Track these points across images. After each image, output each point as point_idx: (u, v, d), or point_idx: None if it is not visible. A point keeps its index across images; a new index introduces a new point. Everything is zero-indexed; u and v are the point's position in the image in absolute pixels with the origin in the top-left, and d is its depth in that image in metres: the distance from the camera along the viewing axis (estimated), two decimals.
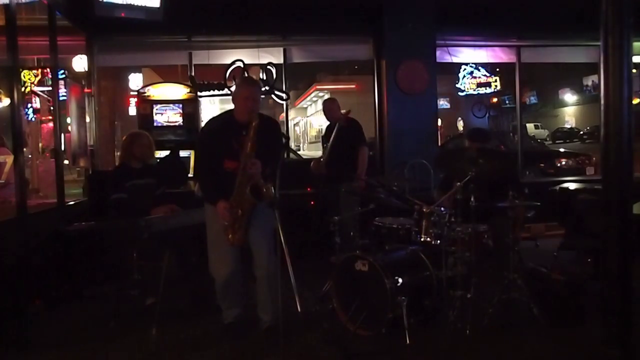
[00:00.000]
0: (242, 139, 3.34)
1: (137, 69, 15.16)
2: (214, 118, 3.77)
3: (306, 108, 36.21)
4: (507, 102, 25.57)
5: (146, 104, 6.56)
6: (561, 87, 33.18)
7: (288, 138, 6.43)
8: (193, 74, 6.95)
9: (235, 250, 3.50)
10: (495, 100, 25.00)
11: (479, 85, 9.10)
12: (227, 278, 3.53)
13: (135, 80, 15.01)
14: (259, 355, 3.35)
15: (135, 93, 8.48)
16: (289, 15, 6.58)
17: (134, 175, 4.24)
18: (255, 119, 3.30)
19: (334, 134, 5.22)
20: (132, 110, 12.89)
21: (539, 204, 4.01)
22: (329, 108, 5.59)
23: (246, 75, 6.54)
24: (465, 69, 8.92)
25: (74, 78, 7.17)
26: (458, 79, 9.06)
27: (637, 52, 6.51)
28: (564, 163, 10.79)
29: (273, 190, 3.07)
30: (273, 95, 7.04)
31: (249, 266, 3.58)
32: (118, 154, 9.72)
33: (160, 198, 4.30)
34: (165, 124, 6.51)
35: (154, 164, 4.64)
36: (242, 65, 6.74)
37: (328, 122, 5.69)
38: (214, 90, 6.85)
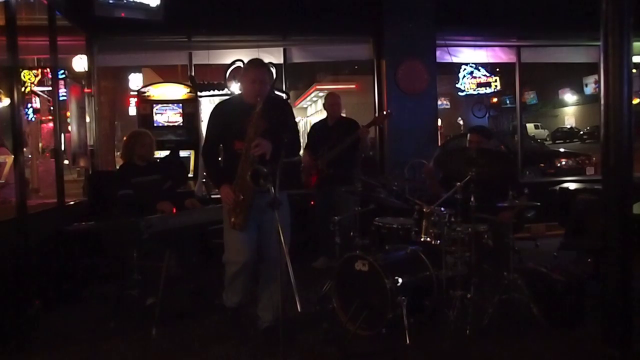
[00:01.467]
0: (250, 121, 3.33)
1: (137, 69, 15.16)
2: (223, 101, 3.75)
3: (306, 108, 36.16)
4: (507, 102, 25.56)
5: (146, 104, 6.56)
6: (561, 87, 33.18)
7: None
8: (193, 74, 6.95)
9: (251, 240, 3.44)
10: (495, 100, 24.98)
11: (479, 85, 9.07)
12: (239, 267, 3.46)
13: (135, 80, 15.01)
14: (259, 355, 3.35)
15: (135, 93, 8.48)
16: (289, 15, 6.59)
17: (139, 172, 4.29)
18: (259, 104, 3.28)
19: (354, 137, 5.15)
20: (132, 110, 12.91)
21: (539, 203, 4.01)
22: (336, 102, 5.51)
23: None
24: (465, 69, 8.90)
25: (74, 78, 7.16)
26: (458, 79, 9.04)
27: (637, 52, 6.51)
28: (564, 163, 10.81)
29: (273, 190, 3.06)
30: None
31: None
32: (118, 154, 9.74)
33: (168, 193, 4.32)
34: (165, 124, 6.51)
35: (157, 161, 4.66)
36: (242, 65, 6.73)
37: (323, 119, 5.65)
38: (214, 90, 6.84)
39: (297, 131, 3.73)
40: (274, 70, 6.89)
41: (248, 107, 3.39)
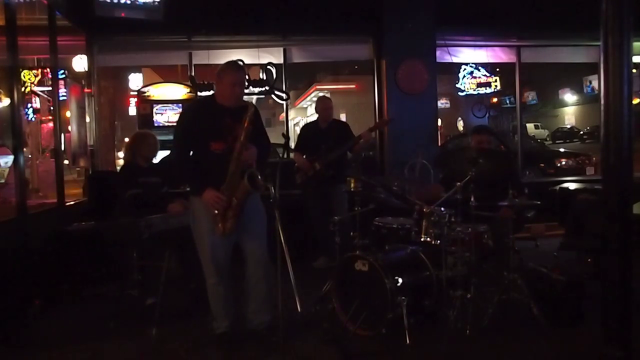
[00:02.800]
0: (229, 124, 3.29)
1: (137, 69, 15.14)
2: (193, 104, 3.70)
3: (306, 108, 36.15)
4: (507, 102, 25.53)
5: (146, 104, 6.57)
6: (561, 87, 33.16)
7: (288, 138, 6.41)
8: (193, 74, 6.95)
9: (226, 243, 3.38)
10: (495, 100, 24.96)
11: (479, 85, 9.08)
12: (216, 276, 3.41)
13: (135, 80, 14.98)
14: (259, 355, 3.35)
15: (135, 93, 8.48)
16: (289, 15, 6.59)
17: (142, 173, 4.29)
18: (251, 108, 3.24)
19: (354, 140, 5.21)
20: (132, 110, 12.88)
21: (539, 202, 4.01)
22: (328, 107, 5.55)
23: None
24: (465, 69, 8.91)
25: (74, 78, 7.16)
26: (458, 79, 9.05)
27: (637, 52, 6.51)
28: (564, 163, 10.82)
29: (273, 191, 3.06)
30: (273, 95, 7.04)
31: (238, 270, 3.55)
32: (118, 154, 9.72)
33: (164, 197, 4.32)
34: (165, 124, 6.51)
35: (157, 164, 4.67)
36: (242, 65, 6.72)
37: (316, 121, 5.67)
38: (213, 90, 6.84)
39: (266, 136, 3.66)
40: (273, 71, 6.90)
41: (223, 109, 3.36)
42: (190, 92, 6.61)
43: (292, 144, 5.96)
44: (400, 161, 6.38)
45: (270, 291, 3.42)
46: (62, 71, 6.84)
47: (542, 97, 30.78)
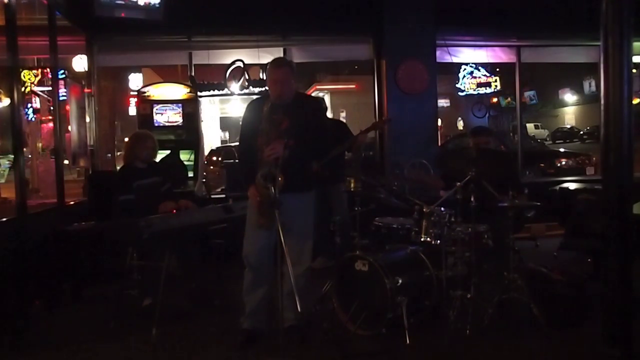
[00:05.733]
0: (277, 120, 3.32)
1: (137, 69, 15.14)
2: (257, 98, 3.74)
3: None
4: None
5: (146, 104, 6.55)
6: (561, 87, 33.17)
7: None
8: (193, 74, 6.95)
9: (261, 240, 3.40)
10: (495, 100, 24.93)
11: (479, 85, 9.06)
12: (250, 267, 3.45)
13: (135, 80, 14.98)
14: (260, 355, 3.35)
15: (135, 93, 8.47)
16: (289, 15, 6.58)
17: (139, 175, 4.26)
18: (267, 106, 3.24)
19: (349, 142, 5.10)
20: (132, 110, 12.89)
21: (539, 203, 4.01)
22: None
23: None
24: (465, 69, 8.89)
25: (74, 78, 7.16)
26: (458, 79, 9.03)
27: (637, 52, 6.51)
28: (564, 163, 10.79)
29: (273, 191, 3.05)
30: None
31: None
32: (118, 154, 9.73)
33: (166, 195, 4.31)
34: (165, 124, 6.50)
35: (157, 162, 4.65)
36: (242, 65, 6.73)
37: None
38: (214, 90, 6.84)
39: (325, 134, 3.65)
40: None
41: (275, 105, 3.37)
42: (190, 92, 6.60)
43: None
44: (400, 161, 6.38)
45: (298, 291, 3.30)
46: (62, 71, 6.83)
47: (542, 97, 30.75)
